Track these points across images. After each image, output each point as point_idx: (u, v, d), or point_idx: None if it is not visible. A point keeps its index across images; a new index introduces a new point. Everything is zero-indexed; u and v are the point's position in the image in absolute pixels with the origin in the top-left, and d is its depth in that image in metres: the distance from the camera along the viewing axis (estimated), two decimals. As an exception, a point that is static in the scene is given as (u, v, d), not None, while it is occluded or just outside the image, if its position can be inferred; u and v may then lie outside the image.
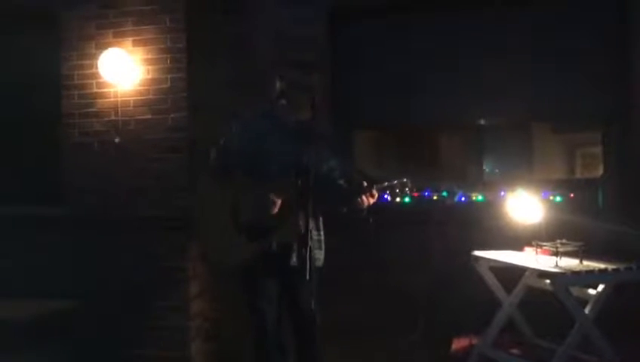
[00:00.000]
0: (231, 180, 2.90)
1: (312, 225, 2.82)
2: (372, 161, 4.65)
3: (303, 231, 2.68)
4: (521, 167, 4.35)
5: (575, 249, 3.20)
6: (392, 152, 4.75)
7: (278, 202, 2.77)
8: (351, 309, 3.97)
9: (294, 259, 2.76)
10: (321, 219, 2.98)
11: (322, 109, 3.06)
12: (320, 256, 2.96)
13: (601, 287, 3.16)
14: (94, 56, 4.13)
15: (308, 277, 2.60)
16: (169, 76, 4.07)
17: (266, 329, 2.91)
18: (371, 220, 2.92)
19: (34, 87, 4.53)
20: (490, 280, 3.53)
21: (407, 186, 2.80)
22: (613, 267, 3.04)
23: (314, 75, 2.94)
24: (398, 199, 2.84)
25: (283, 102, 2.93)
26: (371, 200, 2.80)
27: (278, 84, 2.95)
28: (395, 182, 2.81)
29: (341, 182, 2.90)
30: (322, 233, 2.99)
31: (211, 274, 4.13)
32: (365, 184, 2.79)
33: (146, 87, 4.10)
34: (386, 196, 4.10)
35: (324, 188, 2.80)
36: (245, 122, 2.99)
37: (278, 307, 2.93)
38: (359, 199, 2.78)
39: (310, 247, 2.66)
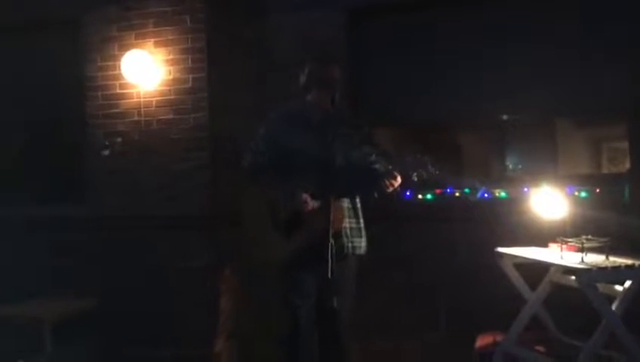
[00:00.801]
0: (265, 179, 2.92)
1: (350, 213, 2.84)
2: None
3: (324, 226, 2.68)
4: (545, 162, 4.28)
5: (601, 245, 3.14)
6: (413, 148, 4.72)
7: (309, 200, 2.77)
8: (374, 306, 3.96)
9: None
10: (359, 206, 2.97)
11: (343, 105, 3.06)
12: (360, 243, 2.96)
13: (628, 283, 3.10)
14: (117, 58, 4.19)
15: (330, 274, 2.61)
16: (190, 76, 4.11)
17: (299, 324, 2.90)
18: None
19: (58, 89, 4.61)
20: (515, 276, 3.49)
21: (427, 164, 2.76)
22: (641, 263, 2.98)
23: (336, 69, 2.94)
24: (419, 178, 2.79)
25: (308, 97, 2.95)
26: (395, 183, 2.79)
27: (301, 79, 2.97)
28: (415, 159, 2.77)
29: (376, 166, 2.87)
30: (362, 221, 2.98)
31: (237, 272, 4.16)
32: (388, 169, 2.78)
33: (168, 88, 4.15)
34: (408, 193, 4.12)
35: (356, 176, 2.80)
36: (273, 121, 3.01)
37: (310, 304, 2.92)
38: (383, 183, 2.77)
39: (332, 244, 2.66)
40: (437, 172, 2.77)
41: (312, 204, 2.78)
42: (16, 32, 4.66)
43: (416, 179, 2.79)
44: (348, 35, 4.30)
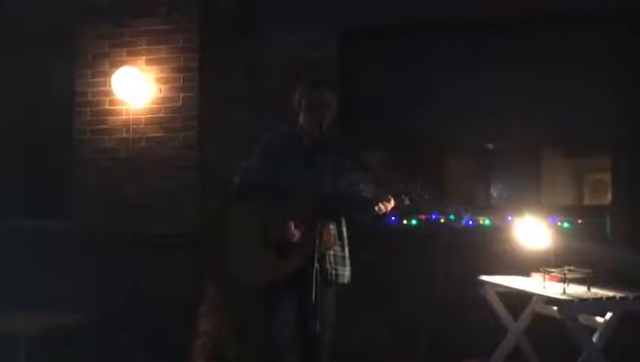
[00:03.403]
0: (256, 199, 2.90)
1: (335, 241, 2.84)
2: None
3: (311, 250, 2.67)
4: (530, 192, 4.33)
5: (583, 276, 3.17)
6: (399, 174, 4.75)
7: (296, 232, 2.77)
8: (355, 333, 3.95)
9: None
10: (345, 234, 2.97)
11: (333, 126, 3.07)
12: (344, 272, 2.94)
13: (609, 315, 3.13)
14: (108, 74, 4.20)
15: (313, 299, 2.59)
16: (181, 95, 4.12)
17: (275, 347, 2.87)
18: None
19: (48, 103, 4.60)
20: (497, 305, 3.50)
21: (419, 188, 2.76)
22: (622, 295, 3.01)
23: (327, 94, 2.95)
24: (412, 203, 2.80)
25: (300, 120, 2.96)
26: (389, 206, 2.78)
27: (294, 102, 2.98)
28: (407, 183, 2.78)
29: (364, 194, 2.86)
30: (347, 249, 2.97)
31: (221, 293, 4.13)
32: (381, 192, 2.78)
33: (158, 106, 4.16)
34: (393, 218, 4.14)
35: (345, 202, 2.80)
36: (269, 141, 3.01)
37: (291, 328, 2.89)
38: (377, 207, 2.77)
39: (316, 269, 2.65)
40: (427, 196, 2.77)
41: (298, 235, 2.77)
42: (7, 45, 4.64)
43: (408, 203, 2.79)
44: (341, 56, 4.34)
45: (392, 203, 2.79)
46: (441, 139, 4.36)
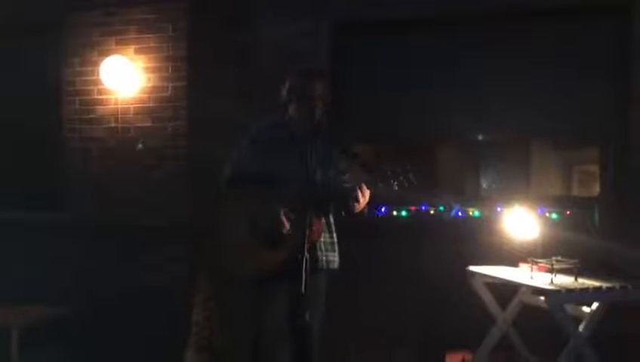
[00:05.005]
0: (246, 191, 2.90)
1: (324, 228, 2.85)
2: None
3: (300, 240, 2.67)
4: (519, 183, 4.35)
5: (570, 266, 3.20)
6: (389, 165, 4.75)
7: (286, 223, 2.76)
8: (343, 322, 3.97)
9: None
10: (332, 221, 2.97)
11: (323, 119, 3.06)
12: (334, 258, 2.96)
13: (595, 305, 3.16)
14: (96, 63, 4.17)
15: (303, 289, 2.60)
16: (170, 84, 4.10)
17: (267, 337, 2.88)
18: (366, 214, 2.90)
19: (36, 93, 4.55)
20: (485, 295, 3.53)
21: (408, 172, 2.74)
22: (608, 285, 3.04)
23: (319, 84, 2.94)
24: (400, 186, 2.78)
25: (290, 111, 2.94)
26: (365, 196, 2.76)
27: (282, 92, 2.97)
28: (396, 167, 2.76)
29: (347, 185, 2.86)
30: (335, 235, 2.98)
31: (211, 283, 4.13)
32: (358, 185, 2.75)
33: (147, 95, 4.13)
34: (382, 209, 4.15)
35: (334, 193, 2.81)
36: (256, 132, 3.00)
37: (282, 317, 2.90)
38: (352, 204, 2.77)
39: (306, 259, 2.65)
40: (413, 177, 2.75)
41: (288, 226, 2.77)
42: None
43: (397, 187, 2.78)
44: (332, 48, 4.32)
45: (367, 196, 2.76)
46: (431, 131, 4.36)
